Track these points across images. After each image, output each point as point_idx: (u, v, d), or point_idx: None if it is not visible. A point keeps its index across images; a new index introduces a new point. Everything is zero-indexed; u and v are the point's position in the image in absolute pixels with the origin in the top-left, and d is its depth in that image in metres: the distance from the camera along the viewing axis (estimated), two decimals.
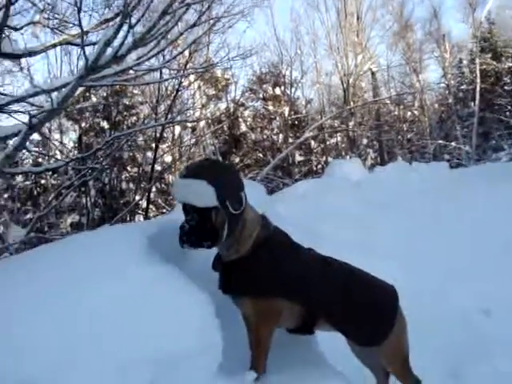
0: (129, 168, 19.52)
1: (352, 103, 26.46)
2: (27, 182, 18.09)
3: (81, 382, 2.19)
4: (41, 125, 5.64)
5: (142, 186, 16.81)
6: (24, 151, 16.58)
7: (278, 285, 2.77)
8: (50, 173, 17.16)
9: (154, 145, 17.00)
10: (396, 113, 32.39)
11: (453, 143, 29.97)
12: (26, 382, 2.11)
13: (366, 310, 2.96)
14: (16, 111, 6.34)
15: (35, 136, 17.92)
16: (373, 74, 30.57)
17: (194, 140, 22.23)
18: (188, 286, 2.63)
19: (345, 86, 28.00)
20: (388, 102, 29.71)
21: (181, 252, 2.81)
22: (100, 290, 2.44)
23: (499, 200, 6.63)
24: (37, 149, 17.89)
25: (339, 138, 29.57)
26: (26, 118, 5.34)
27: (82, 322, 2.30)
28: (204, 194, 2.64)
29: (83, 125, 19.13)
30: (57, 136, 20.15)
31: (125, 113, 19.53)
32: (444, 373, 3.86)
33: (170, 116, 15.17)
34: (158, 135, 16.52)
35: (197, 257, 3.01)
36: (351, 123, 27.22)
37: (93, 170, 10.78)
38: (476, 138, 28.63)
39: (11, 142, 6.37)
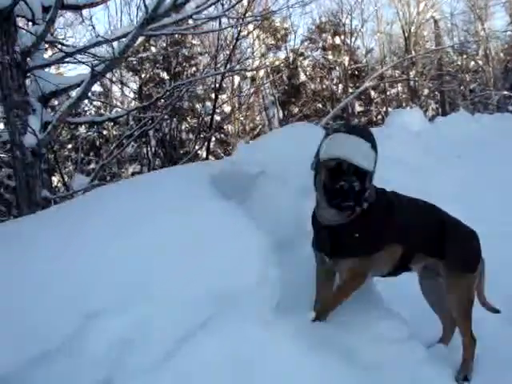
0: (188, 118, 19.66)
1: (413, 52, 25.81)
2: (90, 133, 18.45)
3: (146, 314, 2.28)
4: (103, 73, 5.77)
5: (202, 136, 16.88)
6: (86, 102, 16.97)
7: (390, 236, 2.72)
8: (112, 123, 17.45)
9: (213, 95, 17.01)
10: (459, 62, 31.41)
11: None
12: (92, 314, 2.23)
13: (461, 241, 2.96)
14: (79, 61, 6.47)
15: (97, 87, 18.28)
16: (435, 22, 29.66)
17: (253, 90, 22.16)
18: (249, 224, 2.68)
19: (406, 34, 27.33)
20: (451, 51, 28.90)
21: (241, 191, 2.86)
22: (165, 224, 2.51)
23: None
24: (99, 100, 18.19)
25: (400, 89, 28.95)
26: (88, 69, 5.48)
27: (147, 256, 2.39)
28: (370, 157, 2.57)
29: (143, 76, 19.29)
30: (117, 88, 20.42)
31: (184, 63, 19.57)
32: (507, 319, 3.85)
33: (229, 65, 15.10)
34: (217, 85, 16.51)
35: (256, 197, 3.02)
36: (412, 73, 26.64)
37: (153, 119, 10.94)
38: None
39: (74, 93, 6.55)
